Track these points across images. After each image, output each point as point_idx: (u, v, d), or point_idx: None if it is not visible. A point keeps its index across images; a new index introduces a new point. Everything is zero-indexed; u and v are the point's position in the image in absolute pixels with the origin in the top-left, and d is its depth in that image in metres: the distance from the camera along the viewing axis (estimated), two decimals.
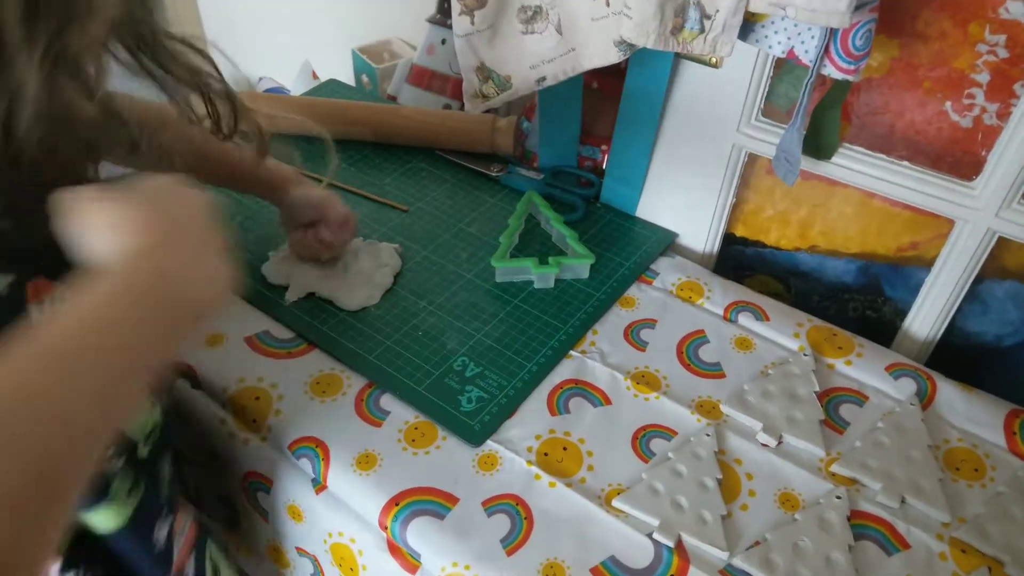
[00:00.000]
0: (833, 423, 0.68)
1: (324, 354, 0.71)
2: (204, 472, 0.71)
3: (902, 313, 0.80)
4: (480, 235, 0.87)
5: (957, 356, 0.78)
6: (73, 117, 0.43)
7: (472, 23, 0.67)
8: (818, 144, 0.73)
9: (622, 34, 0.64)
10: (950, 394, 0.71)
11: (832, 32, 0.63)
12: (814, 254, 0.84)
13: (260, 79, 1.38)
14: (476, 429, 0.66)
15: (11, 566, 0.30)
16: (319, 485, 0.63)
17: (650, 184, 0.87)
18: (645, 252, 0.85)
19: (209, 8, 1.50)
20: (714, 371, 0.72)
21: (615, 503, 0.61)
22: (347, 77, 1.16)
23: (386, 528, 0.60)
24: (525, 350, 0.73)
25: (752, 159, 0.81)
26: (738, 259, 0.88)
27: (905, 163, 0.72)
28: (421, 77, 1.04)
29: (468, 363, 0.72)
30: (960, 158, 0.72)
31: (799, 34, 0.65)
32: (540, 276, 0.80)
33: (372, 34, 1.18)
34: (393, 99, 1.08)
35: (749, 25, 0.66)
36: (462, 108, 1.03)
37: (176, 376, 0.69)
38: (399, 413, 0.67)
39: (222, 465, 0.68)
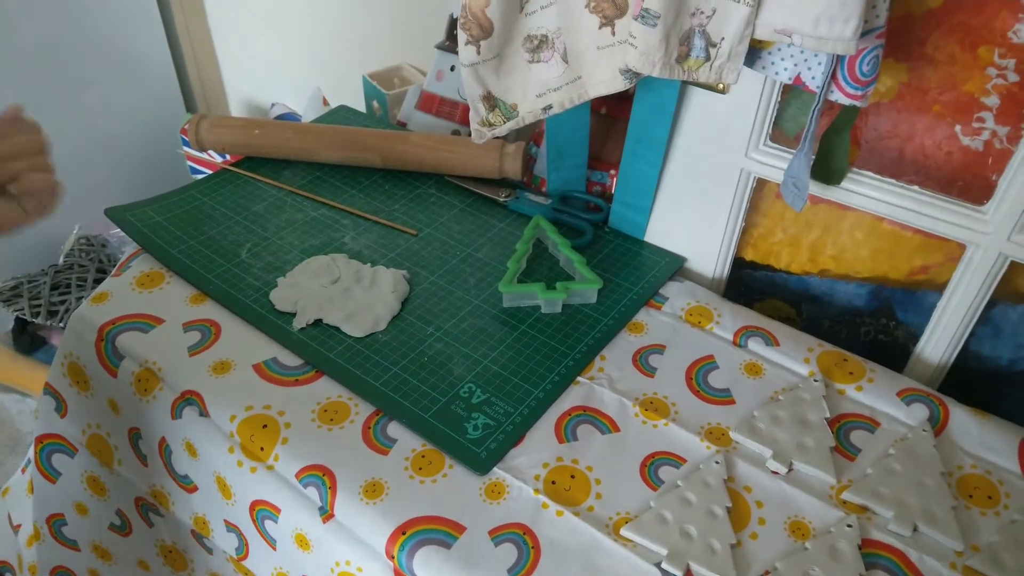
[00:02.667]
0: (844, 450, 0.68)
1: (332, 381, 0.71)
2: (210, 500, 0.71)
3: (914, 337, 0.79)
4: (488, 260, 0.87)
5: (970, 381, 0.77)
6: None
7: (478, 53, 0.68)
8: (827, 169, 0.73)
9: (628, 63, 0.64)
10: (963, 420, 0.70)
11: (839, 58, 0.63)
12: (825, 278, 0.84)
13: (273, 105, 1.40)
14: (482, 457, 0.65)
15: None
16: (326, 514, 0.63)
17: (658, 209, 0.87)
18: (653, 277, 0.85)
19: (222, 35, 1.53)
20: (723, 397, 0.72)
21: (623, 532, 0.60)
22: (358, 103, 1.17)
23: (393, 557, 0.59)
24: (532, 376, 0.73)
25: (761, 184, 0.81)
26: (748, 283, 0.88)
27: (915, 187, 0.72)
28: (430, 103, 1.05)
29: (475, 390, 0.71)
30: (971, 182, 0.71)
31: (806, 60, 0.65)
32: (547, 301, 0.80)
33: (383, 60, 1.19)
34: (403, 125, 1.09)
35: (755, 52, 0.66)
36: (471, 134, 1.03)
37: (184, 404, 0.69)
38: (406, 441, 0.67)
39: (229, 493, 0.68)
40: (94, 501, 0.84)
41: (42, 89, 1.38)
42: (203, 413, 0.69)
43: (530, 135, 1.01)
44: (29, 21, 1.32)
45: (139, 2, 1.45)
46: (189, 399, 0.69)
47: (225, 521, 0.72)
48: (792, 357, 0.75)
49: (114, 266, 1.33)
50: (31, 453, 0.85)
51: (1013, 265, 0.70)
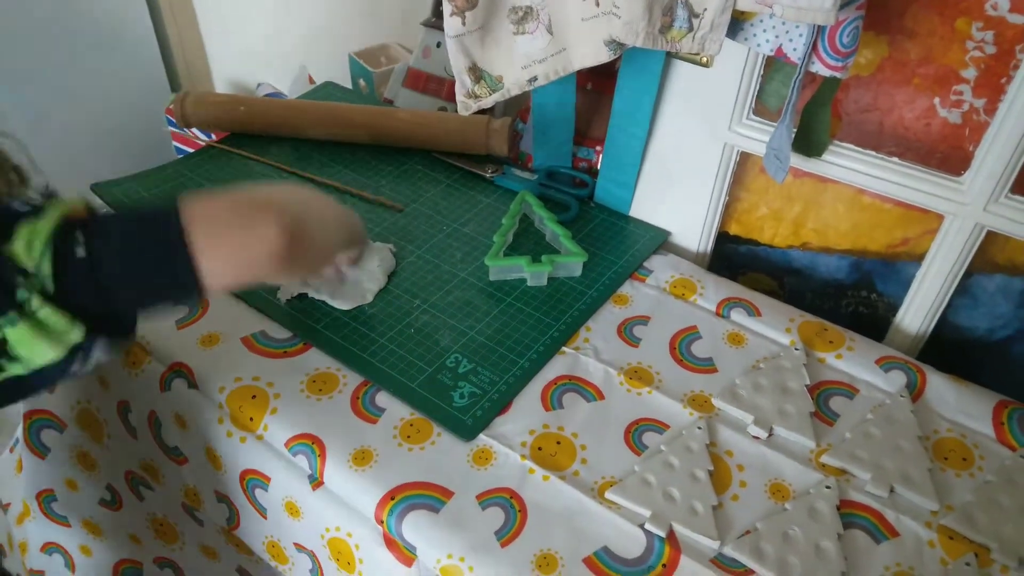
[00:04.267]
0: (823, 415, 0.69)
1: (320, 353, 0.72)
2: (201, 470, 0.72)
3: (894, 308, 0.80)
4: (475, 235, 0.88)
5: (948, 349, 0.79)
6: None
7: (463, 24, 0.68)
8: (809, 142, 0.74)
9: (612, 33, 0.65)
10: (940, 386, 0.71)
11: (819, 30, 0.64)
12: (807, 251, 0.85)
13: (259, 85, 1.39)
14: (468, 424, 0.66)
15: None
16: (316, 481, 0.64)
17: (643, 183, 0.88)
18: (638, 250, 0.86)
19: (207, 16, 1.52)
20: (706, 366, 0.73)
21: (608, 495, 0.61)
22: (344, 82, 1.17)
23: (382, 522, 0.60)
24: (518, 347, 0.74)
25: (744, 158, 0.82)
26: (732, 257, 0.89)
27: (895, 159, 0.73)
28: (417, 80, 1.05)
29: (461, 360, 0.72)
30: (949, 154, 0.73)
31: (787, 32, 0.66)
32: (533, 274, 0.80)
33: (369, 39, 1.19)
34: (390, 102, 1.09)
35: (737, 24, 0.67)
36: (458, 106, 1.04)
37: (173, 376, 0.70)
38: (394, 410, 0.67)
39: (219, 463, 0.69)
40: (84, 476, 0.85)
41: (26, 69, 1.37)
42: (192, 385, 0.69)
43: (516, 111, 1.01)
44: (17, 5, 1.30)
45: None
46: (178, 371, 0.70)
47: (215, 491, 0.72)
48: (774, 327, 0.77)
49: None
50: (19, 432, 0.86)
51: (990, 235, 0.72)
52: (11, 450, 0.96)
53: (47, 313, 0.44)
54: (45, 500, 0.88)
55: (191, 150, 1.29)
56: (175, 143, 1.31)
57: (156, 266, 0.47)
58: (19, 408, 0.83)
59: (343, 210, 0.62)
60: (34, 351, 0.45)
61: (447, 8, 0.67)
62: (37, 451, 0.84)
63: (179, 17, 1.51)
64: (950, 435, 0.68)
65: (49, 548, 0.92)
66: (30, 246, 0.44)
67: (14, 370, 0.46)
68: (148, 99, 1.50)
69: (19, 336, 0.44)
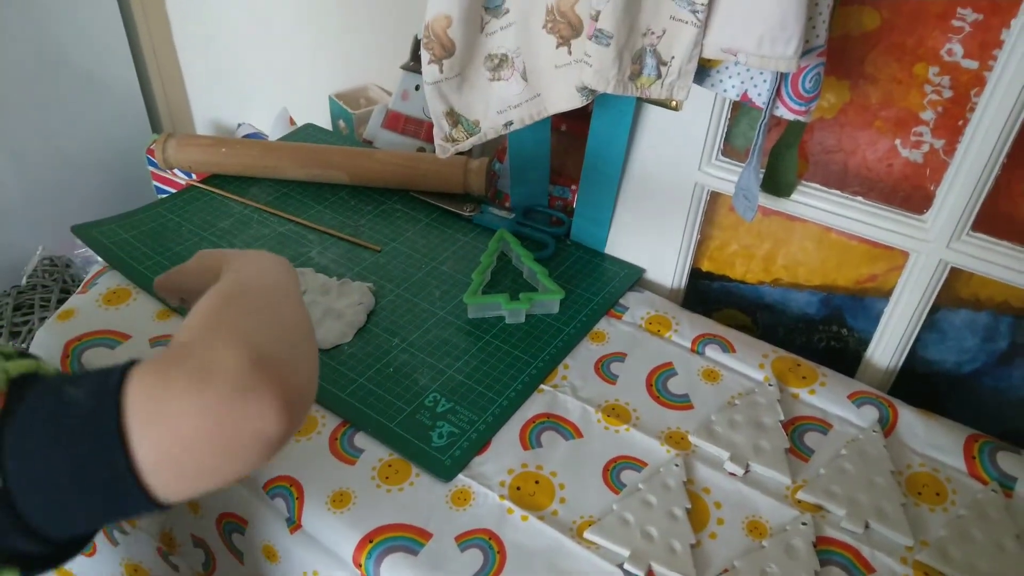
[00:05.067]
0: (798, 451, 0.70)
1: None
2: (177, 515, 0.71)
3: (864, 343, 0.82)
4: (453, 273, 0.88)
5: (919, 383, 0.81)
6: None
7: (441, 71, 0.70)
8: (777, 182, 0.76)
9: (583, 80, 0.67)
10: (911, 420, 0.73)
11: (783, 76, 0.67)
12: (778, 287, 0.87)
13: (239, 125, 1.41)
14: (447, 464, 0.67)
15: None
16: (294, 524, 0.63)
17: (617, 222, 0.90)
18: (614, 287, 0.87)
19: (189, 57, 1.53)
20: (682, 403, 0.74)
21: (586, 535, 0.62)
22: (324, 123, 1.19)
23: (360, 565, 0.60)
24: (496, 384, 0.75)
25: (715, 196, 0.84)
26: (705, 293, 0.91)
27: (859, 199, 0.75)
28: (396, 122, 1.07)
29: (440, 399, 0.73)
30: (911, 193, 0.75)
31: (751, 78, 0.69)
32: (511, 312, 0.81)
33: (349, 81, 1.21)
34: (369, 143, 1.10)
35: (704, 70, 0.69)
36: (436, 150, 1.05)
37: None
38: (373, 451, 0.68)
39: (196, 507, 0.69)
40: None
41: (6, 107, 1.37)
42: None
43: (494, 151, 1.03)
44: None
45: (105, 23, 1.44)
46: None
47: (192, 536, 0.72)
48: (748, 363, 0.78)
49: (78, 286, 1.31)
50: None
51: (954, 271, 0.74)
52: None
53: None
54: None
55: (172, 189, 1.30)
56: (155, 183, 1.31)
57: (87, 493, 0.35)
58: None
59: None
60: None
61: (425, 56, 0.69)
62: None
63: (161, 59, 1.52)
64: (923, 469, 0.69)
65: None
66: None
67: None
68: (129, 139, 1.50)
69: None
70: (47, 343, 0.76)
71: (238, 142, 1.00)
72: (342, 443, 0.68)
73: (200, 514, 0.69)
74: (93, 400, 0.35)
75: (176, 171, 1.15)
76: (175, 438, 0.35)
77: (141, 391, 0.35)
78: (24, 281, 1.33)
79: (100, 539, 0.83)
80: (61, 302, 1.26)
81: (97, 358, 0.74)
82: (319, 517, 0.62)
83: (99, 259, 1.19)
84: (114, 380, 0.36)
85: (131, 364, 0.37)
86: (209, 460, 0.35)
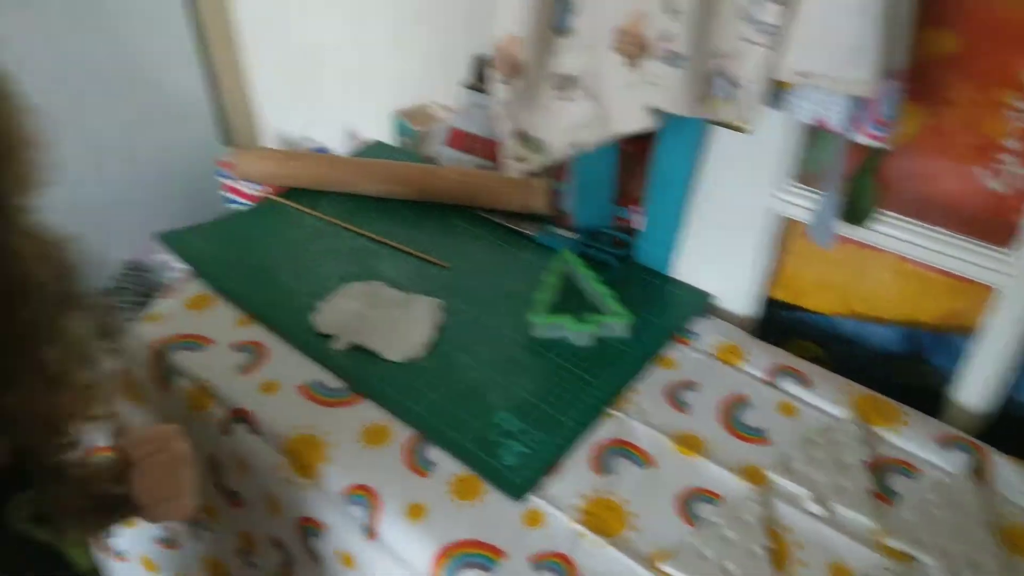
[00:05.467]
0: (882, 493, 0.67)
1: (373, 404, 0.72)
2: (257, 517, 0.72)
3: (948, 382, 0.79)
4: (518, 292, 0.88)
5: (1012, 428, 0.77)
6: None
7: (509, 91, 0.70)
8: (854, 210, 0.74)
9: (653, 102, 0.66)
10: (1006, 469, 0.70)
11: (860, 100, 0.65)
12: (854, 319, 0.84)
13: (304, 139, 1.43)
14: (517, 483, 0.66)
15: None
16: (370, 532, 0.63)
17: (685, 245, 0.89)
18: (681, 312, 0.86)
19: (257, 72, 1.57)
20: (758, 436, 0.72)
21: (663, 567, 0.60)
22: (388, 139, 1.20)
23: None
24: (563, 405, 0.74)
25: (789, 223, 0.82)
26: (777, 322, 0.88)
27: (940, 229, 0.73)
28: (459, 139, 1.08)
29: (509, 417, 0.72)
30: (995, 224, 0.72)
31: (827, 101, 0.67)
32: (577, 333, 0.80)
33: (412, 98, 1.22)
34: (432, 160, 1.11)
35: (778, 92, 0.68)
36: (502, 168, 1.05)
37: (235, 422, 0.70)
38: (446, 465, 0.67)
39: (278, 508, 0.69)
40: None
41: (88, 119, 1.42)
42: (253, 430, 0.70)
43: (557, 170, 1.02)
44: (78, 61, 1.36)
45: (179, 39, 1.49)
46: (240, 416, 0.70)
47: (271, 537, 0.72)
48: (826, 398, 0.76)
49: (156, 291, 1.34)
50: None
51: None
52: None
53: None
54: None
55: (241, 199, 1.32)
56: (225, 193, 1.33)
57: None
58: None
59: None
60: None
61: (494, 76, 0.69)
62: None
63: (231, 74, 1.56)
64: (1019, 521, 0.65)
65: None
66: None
67: None
68: (200, 150, 1.54)
69: None
70: (137, 343, 0.79)
71: (310, 156, 1.02)
72: (416, 455, 0.68)
73: (280, 516, 0.69)
74: None
75: (246, 183, 1.17)
76: None
77: None
78: (108, 285, 1.37)
79: (184, 535, 0.84)
80: (140, 305, 1.29)
81: (184, 359, 0.76)
82: (395, 527, 0.62)
83: (176, 265, 1.21)
84: None
85: None
86: None
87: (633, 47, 0.67)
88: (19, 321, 0.44)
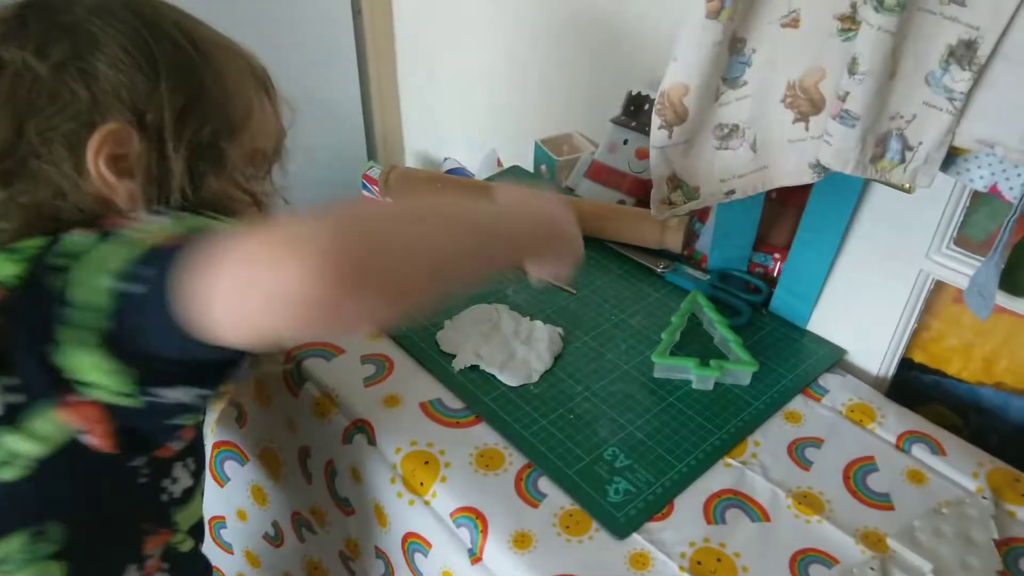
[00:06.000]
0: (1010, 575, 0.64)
1: (489, 428, 0.75)
2: (365, 524, 0.76)
3: None
4: (641, 328, 0.89)
5: None
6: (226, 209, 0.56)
7: (670, 137, 0.71)
8: (1017, 280, 0.71)
9: (820, 159, 0.65)
10: None
11: None
12: (999, 391, 0.80)
13: (445, 159, 1.50)
14: (621, 521, 0.66)
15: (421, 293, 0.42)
16: (475, 556, 0.66)
17: (825, 299, 0.86)
18: (810, 366, 0.84)
19: (408, 91, 1.65)
20: (882, 502, 0.69)
21: None
22: (528, 166, 1.23)
23: None
24: (676, 449, 0.73)
25: (939, 286, 0.79)
26: (914, 385, 0.85)
27: None
28: (600, 172, 1.10)
29: (618, 454, 0.73)
30: None
31: (1004, 170, 0.64)
32: (700, 378, 0.80)
33: (555, 128, 1.25)
34: (571, 191, 1.13)
35: (951, 157, 0.66)
36: (636, 204, 1.06)
37: (355, 431, 0.75)
38: (555, 497, 0.69)
39: (385, 521, 0.73)
40: (255, 509, 0.91)
41: None
42: (371, 442, 0.74)
43: (697, 211, 1.02)
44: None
45: (341, 58, 1.60)
46: (360, 427, 0.75)
47: (376, 547, 0.76)
48: (959, 469, 0.72)
49: None
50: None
51: None
52: None
53: (97, 356, 0.43)
54: (216, 526, 0.95)
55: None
56: None
57: (159, 314, 0.41)
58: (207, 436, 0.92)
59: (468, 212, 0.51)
60: (105, 381, 0.45)
61: (656, 121, 0.70)
62: (218, 479, 0.92)
63: (383, 91, 1.65)
64: None
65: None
66: (90, 278, 0.43)
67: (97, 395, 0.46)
68: (347, 162, 1.64)
69: (84, 366, 0.44)
70: (273, 348, 0.84)
71: (452, 179, 1.07)
72: (527, 484, 0.70)
73: (387, 528, 0.73)
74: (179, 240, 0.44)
75: (388, 199, 1.24)
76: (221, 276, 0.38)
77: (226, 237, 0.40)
78: None
79: (289, 533, 0.90)
80: None
81: (315, 367, 0.81)
82: (501, 553, 0.64)
83: None
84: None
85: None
86: (237, 306, 0.38)
87: (805, 102, 0.67)
88: None
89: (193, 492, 0.64)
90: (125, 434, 0.51)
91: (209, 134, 0.58)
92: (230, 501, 0.93)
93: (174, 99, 0.56)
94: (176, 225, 0.48)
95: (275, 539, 0.92)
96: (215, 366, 0.52)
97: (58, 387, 0.47)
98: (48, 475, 0.51)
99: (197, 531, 0.67)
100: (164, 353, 0.45)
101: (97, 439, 0.49)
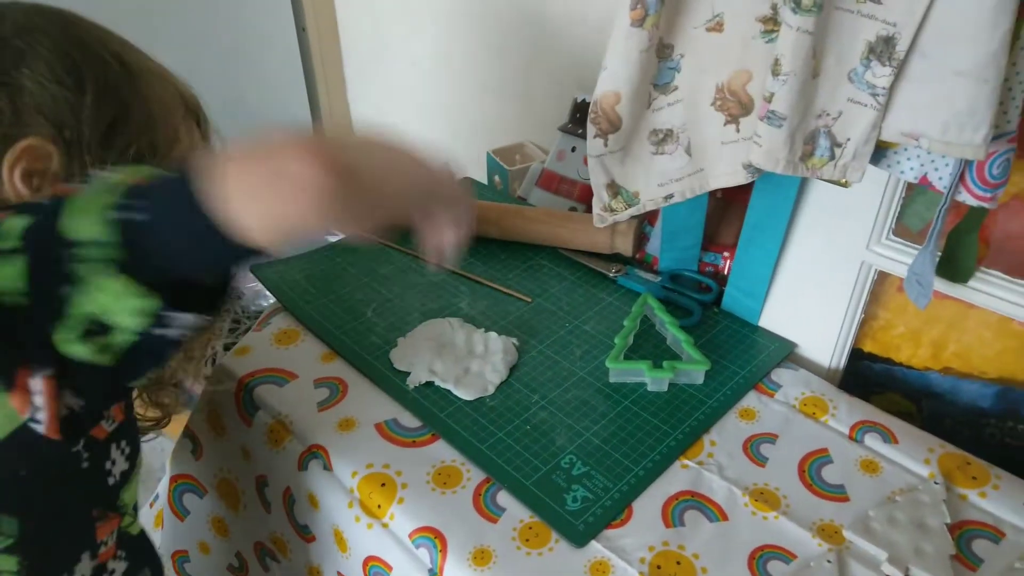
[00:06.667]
0: (965, 559, 0.65)
1: (446, 445, 0.74)
2: (325, 552, 0.75)
3: None
4: (595, 334, 0.89)
5: None
6: None
7: (606, 145, 0.72)
8: (954, 268, 0.72)
9: (751, 160, 0.66)
10: None
11: (967, 161, 0.63)
12: (948, 375, 0.81)
13: None
14: (580, 529, 0.66)
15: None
16: None
17: (774, 295, 0.87)
18: (762, 361, 0.85)
19: (360, 108, 1.65)
20: (837, 493, 0.70)
21: None
22: (481, 177, 1.24)
23: None
24: (633, 453, 0.74)
25: (882, 276, 0.80)
26: (866, 375, 0.86)
27: None
28: (551, 181, 1.10)
29: (575, 461, 0.73)
30: None
31: (932, 161, 0.66)
32: (654, 380, 0.80)
33: (506, 138, 1.26)
34: (523, 200, 1.14)
35: (881, 151, 0.67)
36: (587, 211, 1.07)
37: (310, 457, 0.74)
38: (514, 511, 0.68)
39: (344, 546, 0.72)
40: (217, 541, 0.90)
41: None
42: (327, 467, 0.73)
43: (644, 214, 1.03)
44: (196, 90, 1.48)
45: (290, 81, 1.59)
46: (315, 453, 0.74)
47: (338, 573, 0.75)
48: (911, 456, 0.73)
49: (248, 317, 1.42)
50: (160, 489, 0.92)
51: None
52: (151, 505, 1.04)
53: (121, 282, 0.44)
54: (179, 560, 0.94)
55: (337, 232, 1.39)
56: None
57: (189, 225, 0.44)
58: (163, 466, 0.90)
59: (418, 159, 0.54)
60: (120, 316, 0.45)
61: (591, 130, 0.71)
62: (178, 513, 0.90)
63: (335, 112, 1.64)
64: None
65: None
66: (84, 214, 0.43)
67: (121, 338, 0.46)
68: None
69: (99, 304, 0.45)
70: (224, 376, 0.83)
71: None
72: (485, 499, 0.69)
73: (348, 553, 0.72)
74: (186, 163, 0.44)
75: None
76: (246, 182, 0.43)
77: (222, 157, 0.44)
78: None
79: (253, 563, 0.89)
80: (232, 331, 1.37)
81: (267, 394, 0.80)
82: (461, 572, 0.64)
83: (266, 293, 1.27)
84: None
85: None
86: (270, 197, 0.43)
87: (734, 105, 0.68)
88: None
89: (130, 475, 0.64)
90: (66, 419, 0.50)
91: (133, 156, 0.57)
92: (191, 534, 0.91)
93: (98, 117, 0.56)
94: (134, 173, 0.47)
95: (239, 570, 0.91)
96: (220, 290, 0.52)
97: (15, 368, 0.46)
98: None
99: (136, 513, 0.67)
100: (183, 270, 0.46)
101: (44, 425, 0.48)
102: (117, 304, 0.45)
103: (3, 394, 0.47)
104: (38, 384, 0.47)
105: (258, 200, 0.43)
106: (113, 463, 0.61)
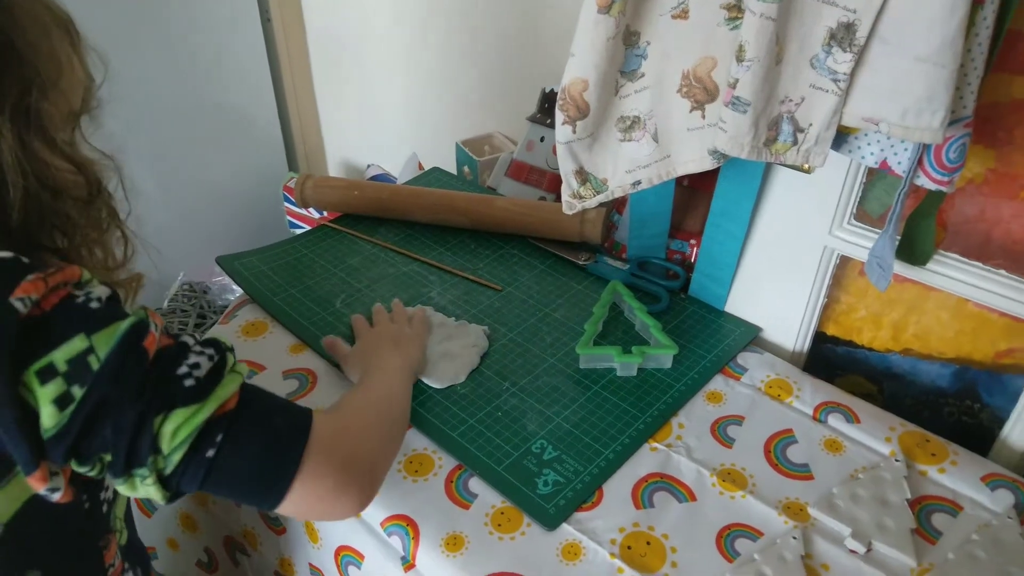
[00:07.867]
0: (925, 532, 0.67)
1: (417, 433, 0.75)
2: (297, 544, 0.75)
3: (1000, 421, 0.77)
4: (565, 321, 0.90)
5: None
6: (54, 182, 0.54)
7: (574, 132, 0.72)
8: (913, 251, 0.74)
9: (717, 145, 0.67)
10: None
11: (925, 145, 0.65)
12: (907, 356, 0.83)
13: (368, 166, 1.48)
14: (551, 512, 0.67)
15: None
16: (408, 563, 0.65)
17: (739, 280, 0.89)
18: (728, 345, 0.86)
19: (325, 100, 1.63)
20: (802, 472, 0.72)
21: None
22: (451, 167, 1.24)
23: None
24: (603, 436, 0.75)
25: (844, 260, 0.82)
26: (829, 358, 0.88)
27: (1002, 271, 0.72)
28: (520, 171, 1.10)
29: (546, 446, 0.73)
30: None
31: (892, 146, 0.67)
32: (623, 365, 0.81)
33: (475, 129, 1.26)
34: (493, 190, 1.14)
35: (842, 136, 0.68)
36: (556, 200, 1.08)
37: None
38: (486, 497, 0.69)
39: (316, 537, 0.72)
40: (185, 537, 0.89)
41: (162, 141, 1.49)
42: None
43: (613, 202, 1.04)
44: (159, 85, 1.44)
45: (255, 72, 1.56)
46: None
47: (310, 564, 0.75)
48: (873, 435, 0.75)
49: (214, 311, 1.40)
50: None
51: None
52: None
53: (153, 488, 0.51)
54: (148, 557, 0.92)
55: (304, 225, 1.38)
56: (289, 218, 1.39)
57: (258, 482, 0.53)
58: None
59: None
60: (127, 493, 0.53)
61: (559, 117, 0.71)
62: (145, 510, 0.89)
63: (301, 103, 1.63)
64: None
65: None
66: (176, 434, 0.49)
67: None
68: (267, 175, 1.61)
69: (122, 488, 0.51)
70: None
71: (369, 185, 1.06)
72: (457, 486, 0.70)
73: (319, 544, 0.72)
74: (288, 437, 0.55)
75: (311, 209, 1.23)
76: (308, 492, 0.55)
77: (311, 453, 0.55)
78: (165, 305, 1.43)
79: (223, 558, 0.88)
80: (198, 326, 1.35)
81: None
82: (433, 559, 0.64)
83: (234, 287, 1.26)
84: (303, 422, 0.57)
85: (310, 415, 0.58)
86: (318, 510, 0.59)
87: (700, 91, 0.69)
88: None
89: (117, 491, 0.65)
90: (72, 480, 0.52)
91: (32, 98, 0.52)
92: (160, 531, 0.90)
93: None
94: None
95: (209, 565, 0.90)
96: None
97: (38, 461, 0.49)
98: (19, 530, 0.54)
99: (128, 520, 0.68)
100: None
101: (59, 494, 0.51)
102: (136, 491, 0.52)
103: (24, 476, 0.50)
104: (55, 466, 0.50)
105: (316, 505, 0.56)
106: (106, 489, 0.61)
